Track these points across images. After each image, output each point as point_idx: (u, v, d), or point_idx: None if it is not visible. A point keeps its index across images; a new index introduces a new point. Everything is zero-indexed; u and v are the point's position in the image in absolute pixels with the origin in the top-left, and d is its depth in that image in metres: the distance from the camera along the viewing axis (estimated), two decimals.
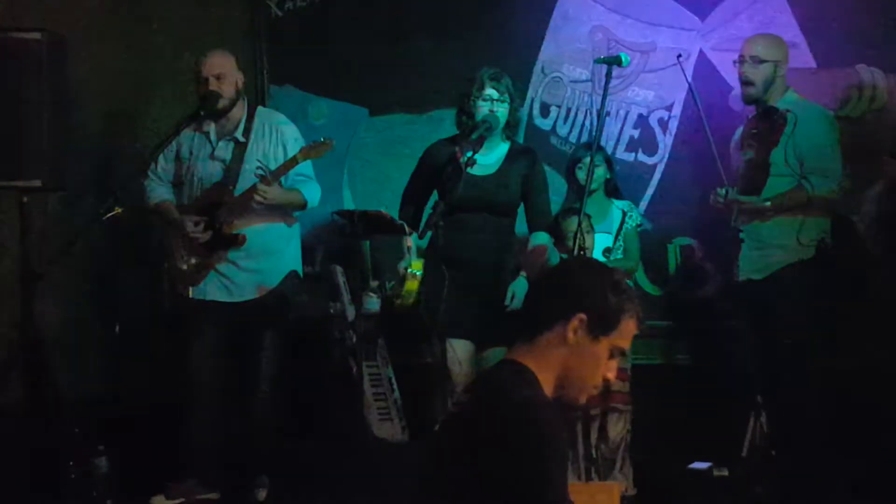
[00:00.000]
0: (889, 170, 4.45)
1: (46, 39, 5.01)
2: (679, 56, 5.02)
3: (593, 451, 4.88)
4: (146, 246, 5.62)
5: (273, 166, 5.18)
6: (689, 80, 5.05)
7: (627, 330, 2.42)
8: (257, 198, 5.06)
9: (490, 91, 4.85)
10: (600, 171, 5.14)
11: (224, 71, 5.22)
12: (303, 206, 5.26)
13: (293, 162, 5.12)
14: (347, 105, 6.29)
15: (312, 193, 5.28)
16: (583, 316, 2.36)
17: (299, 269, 5.42)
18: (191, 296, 5.26)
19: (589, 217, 5.05)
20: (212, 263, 5.22)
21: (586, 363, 2.41)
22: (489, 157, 4.92)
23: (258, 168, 5.20)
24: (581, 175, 5.20)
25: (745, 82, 4.81)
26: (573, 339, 2.37)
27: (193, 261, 5.24)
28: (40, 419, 5.02)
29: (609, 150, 5.66)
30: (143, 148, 5.89)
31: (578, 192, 5.26)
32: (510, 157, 4.96)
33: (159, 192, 5.34)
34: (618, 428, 4.93)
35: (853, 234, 4.97)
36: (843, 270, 4.79)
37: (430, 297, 4.73)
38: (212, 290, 5.25)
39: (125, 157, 5.98)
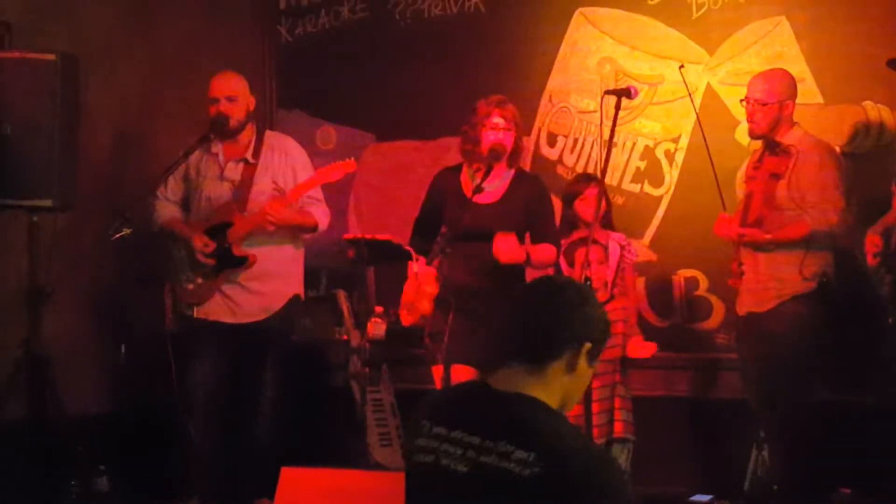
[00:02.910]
0: None
1: (60, 61, 5.05)
2: (681, 66, 5.05)
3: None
4: (154, 266, 5.63)
5: (283, 189, 5.22)
6: (690, 91, 5.07)
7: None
8: (270, 218, 5.10)
9: (496, 119, 4.87)
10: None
11: (235, 93, 5.26)
12: (314, 228, 5.30)
13: (312, 182, 5.17)
14: (355, 130, 6.32)
15: (322, 216, 5.32)
16: (589, 345, 2.42)
17: (302, 292, 5.45)
18: (194, 315, 5.29)
19: (605, 248, 5.08)
20: (218, 284, 5.24)
21: (580, 388, 2.50)
22: (494, 186, 4.94)
23: (274, 189, 5.24)
24: (581, 207, 5.22)
25: (751, 120, 4.86)
26: (579, 368, 2.42)
27: (200, 280, 5.26)
28: (44, 437, 5.04)
29: (615, 181, 5.69)
30: (153, 169, 5.92)
31: (574, 224, 5.29)
32: (514, 184, 4.97)
33: (166, 211, 5.37)
34: (621, 459, 4.93)
35: (855, 269, 4.98)
36: (844, 305, 4.79)
37: (436, 324, 4.75)
38: (215, 310, 5.27)
39: (135, 178, 6.00)
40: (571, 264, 5.07)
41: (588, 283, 4.47)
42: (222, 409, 5.31)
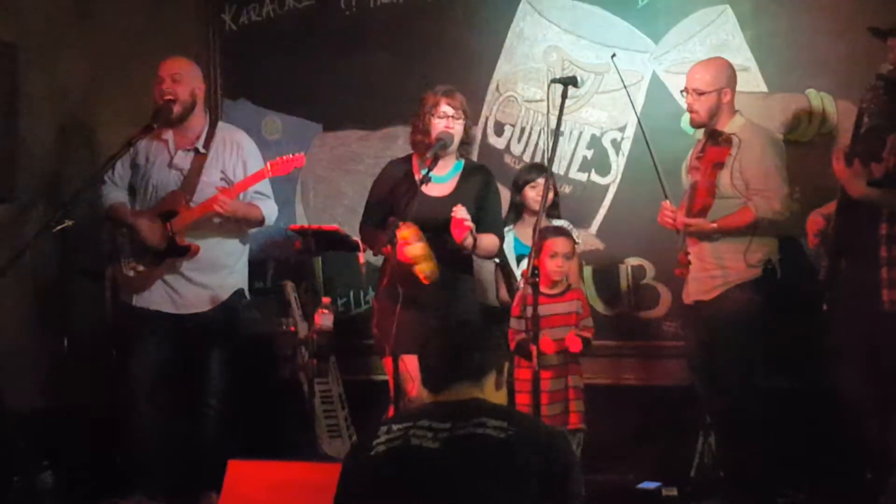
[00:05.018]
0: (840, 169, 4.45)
1: None
2: (613, 55, 5.06)
3: None
4: (96, 258, 5.57)
5: (232, 181, 5.18)
6: (624, 82, 5.07)
7: None
8: (217, 208, 5.06)
9: (445, 108, 4.86)
10: (549, 193, 5.16)
11: (181, 73, 5.21)
12: (260, 222, 5.28)
13: (260, 175, 5.14)
14: (301, 120, 6.28)
15: (270, 211, 5.30)
16: (507, 364, 2.92)
17: (246, 287, 5.42)
18: (134, 304, 5.23)
19: (575, 241, 5.09)
20: (160, 272, 5.19)
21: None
22: (444, 176, 4.93)
23: (221, 179, 5.20)
24: (532, 195, 5.23)
25: (690, 110, 4.89)
26: (502, 385, 2.89)
27: (141, 268, 5.21)
28: None
29: (562, 170, 5.70)
30: (95, 158, 5.85)
31: (521, 212, 5.29)
32: (464, 175, 4.97)
33: (114, 195, 5.32)
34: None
35: (800, 255, 5.03)
36: (789, 291, 4.84)
37: (383, 315, 4.72)
38: (157, 299, 5.22)
39: (76, 168, 5.94)
40: (538, 253, 5.04)
41: (536, 272, 4.45)
42: (166, 401, 5.27)
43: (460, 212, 4.71)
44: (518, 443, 2.59)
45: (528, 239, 5.15)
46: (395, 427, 2.69)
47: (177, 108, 5.19)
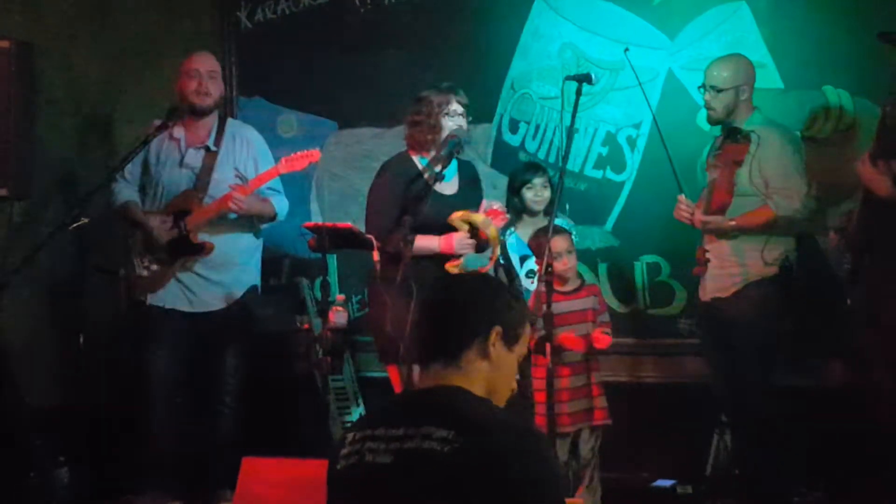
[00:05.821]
0: (865, 171, 4.42)
1: (15, 48, 4.99)
2: (626, 50, 5.05)
3: (563, 468, 4.87)
4: (112, 255, 5.58)
5: (246, 178, 5.19)
6: (638, 77, 5.06)
7: (527, 336, 2.61)
8: (232, 205, 5.06)
9: (455, 106, 4.85)
10: (547, 193, 5.17)
11: (216, 71, 5.26)
12: (273, 217, 5.30)
13: (275, 171, 5.14)
14: (316, 118, 6.29)
15: (282, 206, 5.31)
16: (499, 329, 2.50)
17: (259, 283, 5.43)
18: (148, 302, 5.24)
19: (570, 236, 5.08)
20: (174, 271, 5.20)
21: (506, 374, 2.55)
22: (447, 174, 4.91)
23: (236, 176, 5.21)
24: (529, 195, 5.20)
25: (708, 107, 4.87)
26: (494, 353, 2.50)
27: (155, 267, 5.22)
28: (1, 428, 4.99)
29: (577, 167, 5.69)
30: (110, 157, 5.86)
31: (520, 212, 5.27)
32: (461, 172, 4.97)
33: (126, 193, 5.32)
34: (589, 444, 4.93)
35: (817, 253, 5.00)
36: (806, 289, 4.81)
37: (397, 314, 4.69)
38: (171, 298, 5.23)
39: (91, 166, 5.95)
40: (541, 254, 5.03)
41: (549, 270, 4.44)
42: (182, 399, 5.28)
43: (496, 203, 4.72)
44: (461, 458, 2.30)
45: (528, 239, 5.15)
46: (357, 436, 2.48)
47: (209, 104, 5.23)
